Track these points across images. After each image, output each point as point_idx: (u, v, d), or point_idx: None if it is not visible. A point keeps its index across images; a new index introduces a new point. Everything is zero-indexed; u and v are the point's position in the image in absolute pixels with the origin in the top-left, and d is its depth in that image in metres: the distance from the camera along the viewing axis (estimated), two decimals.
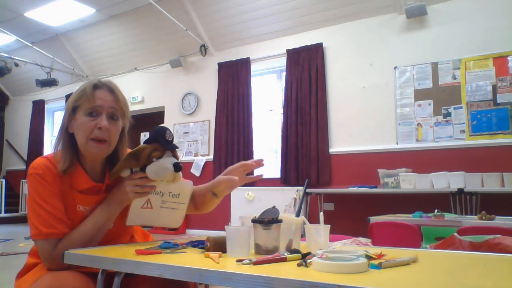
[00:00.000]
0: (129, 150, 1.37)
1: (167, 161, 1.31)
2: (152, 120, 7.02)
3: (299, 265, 0.92)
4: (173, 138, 1.36)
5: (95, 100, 1.26)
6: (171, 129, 7.02)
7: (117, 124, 1.30)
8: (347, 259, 0.87)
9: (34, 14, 6.99)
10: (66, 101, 8.42)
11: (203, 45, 6.69)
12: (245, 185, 6.18)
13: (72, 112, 1.28)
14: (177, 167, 1.31)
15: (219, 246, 1.12)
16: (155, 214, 1.40)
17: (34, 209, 1.20)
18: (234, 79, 6.41)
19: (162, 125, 1.53)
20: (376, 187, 4.85)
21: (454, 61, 4.87)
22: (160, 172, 1.30)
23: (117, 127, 1.30)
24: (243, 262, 0.94)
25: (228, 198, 5.89)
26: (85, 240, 1.23)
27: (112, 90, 1.30)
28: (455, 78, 4.85)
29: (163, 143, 1.32)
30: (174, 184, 1.39)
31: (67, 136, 1.29)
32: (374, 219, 2.89)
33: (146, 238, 1.53)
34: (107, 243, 1.30)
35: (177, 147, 1.39)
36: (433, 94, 4.96)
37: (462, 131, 4.76)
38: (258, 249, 1.10)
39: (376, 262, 0.92)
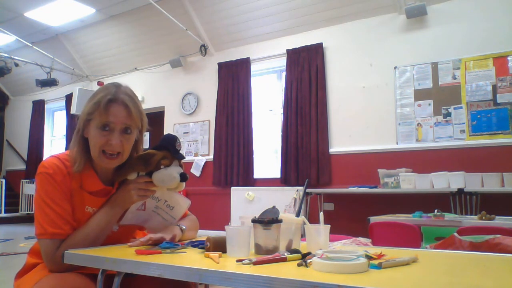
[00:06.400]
0: None
1: (175, 170, 1.35)
2: (152, 120, 6.96)
3: (299, 265, 0.92)
4: (181, 148, 1.39)
5: (108, 117, 1.24)
6: (171, 129, 7.03)
7: (130, 137, 1.30)
8: (347, 259, 0.87)
9: (34, 14, 6.98)
10: (66, 101, 8.47)
11: (203, 45, 6.69)
12: (245, 185, 6.10)
13: (86, 121, 1.28)
14: (184, 177, 1.35)
15: (219, 246, 1.12)
16: (145, 216, 1.42)
17: (42, 208, 1.20)
18: (234, 79, 6.41)
19: (171, 133, 1.55)
20: (376, 187, 4.85)
21: (454, 61, 4.87)
22: (167, 180, 1.33)
23: (131, 139, 1.31)
24: (243, 262, 0.94)
25: (228, 198, 5.89)
26: (88, 241, 1.24)
27: (126, 105, 1.27)
28: (455, 78, 4.85)
29: (173, 151, 1.36)
30: (173, 194, 1.40)
31: (82, 139, 1.29)
32: (374, 219, 2.88)
33: None
34: (110, 245, 1.31)
35: (184, 157, 1.42)
36: (433, 94, 4.96)
37: (462, 131, 4.76)
38: (258, 249, 1.10)
39: (376, 262, 0.92)
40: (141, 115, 1.33)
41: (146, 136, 1.47)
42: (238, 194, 5.77)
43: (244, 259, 0.95)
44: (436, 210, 2.98)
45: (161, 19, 6.41)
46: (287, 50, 5.95)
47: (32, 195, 8.59)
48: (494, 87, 4.63)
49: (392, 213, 3.58)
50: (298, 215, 1.24)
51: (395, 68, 5.21)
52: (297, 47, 5.88)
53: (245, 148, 6.16)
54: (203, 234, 1.40)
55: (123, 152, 1.28)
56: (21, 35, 7.68)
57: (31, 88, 8.94)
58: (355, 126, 5.40)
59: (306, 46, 5.81)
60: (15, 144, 9.79)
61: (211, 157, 6.54)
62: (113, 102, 1.26)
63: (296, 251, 1.04)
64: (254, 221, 1.11)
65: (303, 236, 1.22)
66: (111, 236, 1.33)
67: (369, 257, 0.94)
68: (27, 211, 8.78)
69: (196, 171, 6.62)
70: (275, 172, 5.93)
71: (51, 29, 7.57)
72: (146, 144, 1.45)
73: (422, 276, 0.86)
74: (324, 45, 5.71)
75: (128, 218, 1.37)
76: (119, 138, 1.26)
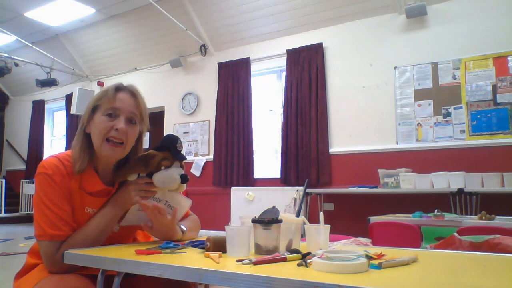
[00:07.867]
0: None
1: (175, 172, 1.34)
2: (152, 120, 6.98)
3: (299, 265, 0.92)
4: (182, 148, 1.38)
5: (116, 102, 1.27)
6: (171, 129, 7.03)
7: (134, 128, 1.31)
8: (347, 259, 0.87)
9: (34, 14, 6.98)
10: (66, 101, 8.47)
11: (203, 45, 6.69)
12: (245, 185, 6.08)
13: (91, 111, 1.29)
14: (184, 179, 1.35)
15: (219, 246, 1.12)
16: (146, 216, 1.41)
17: (41, 209, 1.19)
18: (234, 79, 6.40)
19: (172, 133, 1.54)
20: (376, 187, 4.85)
21: (454, 61, 4.87)
22: (167, 181, 1.33)
23: (135, 131, 1.32)
24: (243, 262, 0.94)
25: (228, 198, 5.89)
26: (88, 242, 1.23)
27: (134, 94, 1.33)
28: (455, 78, 4.85)
29: (174, 153, 1.35)
30: (174, 195, 1.40)
31: (85, 136, 1.30)
32: (374, 219, 2.88)
33: (147, 240, 1.54)
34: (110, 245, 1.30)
35: (186, 158, 1.41)
36: (433, 94, 4.96)
37: (462, 131, 4.76)
38: (258, 249, 1.10)
39: (376, 262, 0.92)
40: (146, 111, 1.36)
41: (146, 136, 1.46)
42: (238, 194, 5.77)
43: (244, 259, 0.95)
44: (436, 210, 2.98)
45: (161, 19, 6.41)
46: (287, 50, 5.95)
47: (32, 195, 8.60)
48: (494, 87, 4.63)
49: (392, 213, 3.58)
50: (298, 215, 1.23)
51: (395, 68, 5.21)
52: (297, 47, 5.88)
53: (245, 148, 6.16)
54: (203, 234, 1.40)
55: (126, 142, 1.28)
56: (21, 35, 7.68)
57: (31, 88, 8.94)
58: (355, 126, 5.40)
59: (306, 46, 5.81)
60: (15, 144, 9.79)
61: (211, 157, 6.54)
62: (121, 90, 1.32)
63: (296, 251, 1.03)
64: (254, 221, 1.11)
65: (303, 236, 1.22)
66: (112, 236, 1.33)
67: (369, 257, 0.94)
68: (27, 211, 8.78)
69: (196, 171, 6.62)
70: (275, 172, 5.93)
71: (51, 29, 7.57)
72: (146, 145, 1.44)
73: (422, 276, 0.86)
74: (324, 45, 5.71)
75: (128, 219, 1.36)
76: (124, 124, 1.27)
